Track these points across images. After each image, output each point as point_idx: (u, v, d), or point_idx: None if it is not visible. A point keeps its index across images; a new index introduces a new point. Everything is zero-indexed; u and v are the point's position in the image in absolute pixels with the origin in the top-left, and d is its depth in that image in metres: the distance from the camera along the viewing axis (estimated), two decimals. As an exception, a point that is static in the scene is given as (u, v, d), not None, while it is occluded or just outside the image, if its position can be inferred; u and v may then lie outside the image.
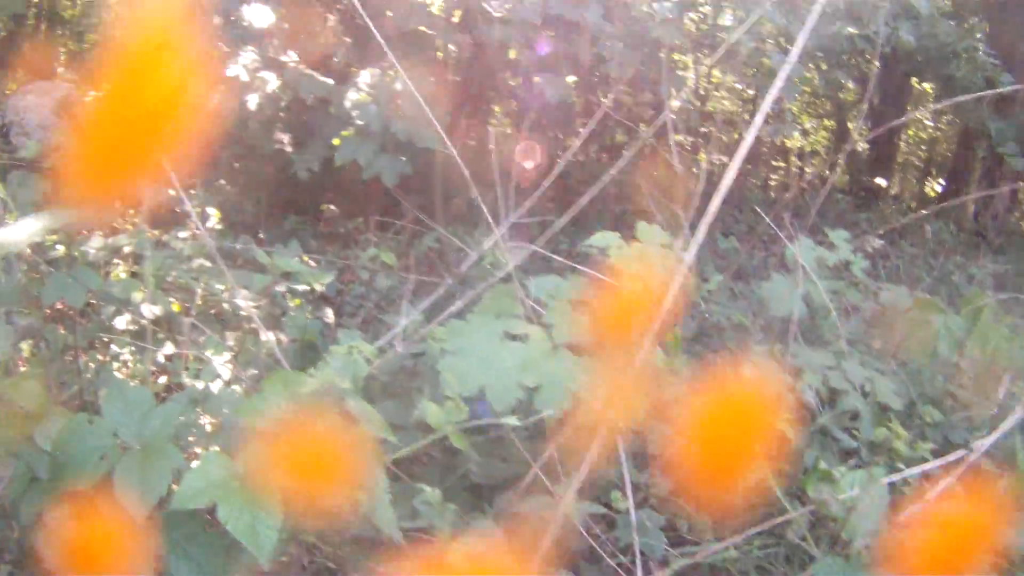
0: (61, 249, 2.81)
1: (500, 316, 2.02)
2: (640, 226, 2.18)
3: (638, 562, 1.91)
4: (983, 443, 2.27)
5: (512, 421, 1.65)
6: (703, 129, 7.45)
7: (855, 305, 3.64)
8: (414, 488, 1.65)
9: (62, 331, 2.78)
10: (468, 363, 1.89)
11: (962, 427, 2.89)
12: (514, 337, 1.99)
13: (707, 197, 1.85)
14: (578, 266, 2.16)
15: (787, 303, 2.79)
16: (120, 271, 2.99)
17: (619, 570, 1.96)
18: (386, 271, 3.28)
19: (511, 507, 1.83)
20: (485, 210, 2.17)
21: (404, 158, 3.89)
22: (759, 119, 1.62)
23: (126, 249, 2.92)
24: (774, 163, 8.25)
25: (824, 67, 8.01)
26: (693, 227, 2.03)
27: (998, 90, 6.80)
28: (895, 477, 2.24)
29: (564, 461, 1.89)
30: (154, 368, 2.64)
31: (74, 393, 2.56)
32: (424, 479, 1.79)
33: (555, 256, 2.45)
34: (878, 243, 3.47)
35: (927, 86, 8.91)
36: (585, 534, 1.91)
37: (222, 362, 2.34)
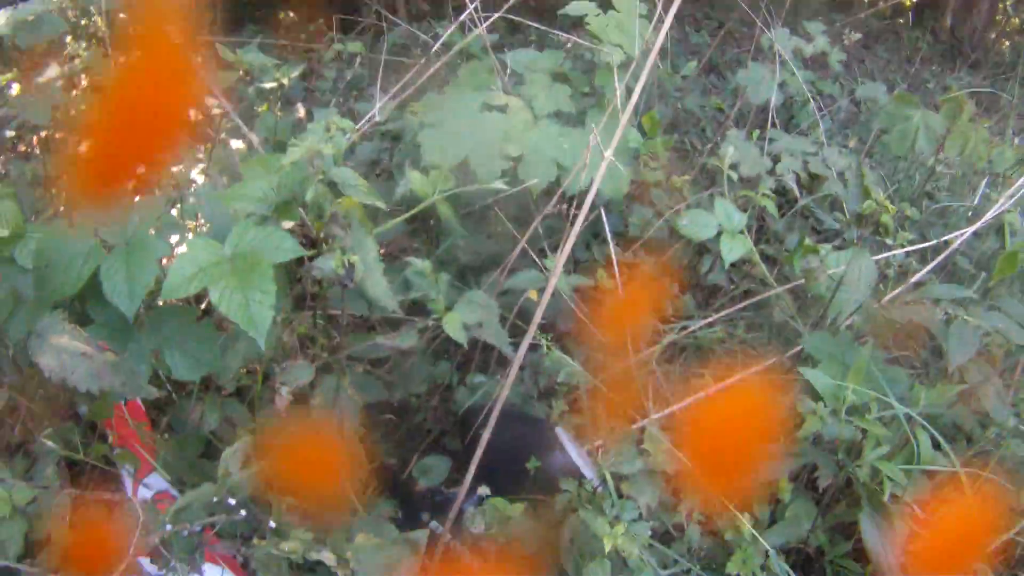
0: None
1: (478, 88, 1.97)
2: (617, -7, 2.09)
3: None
4: (962, 235, 2.28)
5: (498, 184, 1.62)
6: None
7: (832, 97, 3.60)
8: (404, 265, 1.64)
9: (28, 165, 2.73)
10: (449, 135, 1.84)
11: (939, 225, 2.90)
12: (493, 108, 1.96)
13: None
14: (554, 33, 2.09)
15: (764, 90, 2.74)
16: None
17: (609, 347, 1.97)
18: (353, 65, 3.18)
19: (499, 285, 1.83)
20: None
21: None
22: None
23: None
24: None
25: None
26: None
27: None
28: (882, 256, 2.25)
29: (548, 237, 1.88)
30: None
31: (49, 217, 2.52)
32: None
33: (530, 26, 2.35)
34: (856, 36, 3.38)
35: None
36: (576, 312, 1.92)
37: (195, 172, 2.28)
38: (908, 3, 10.97)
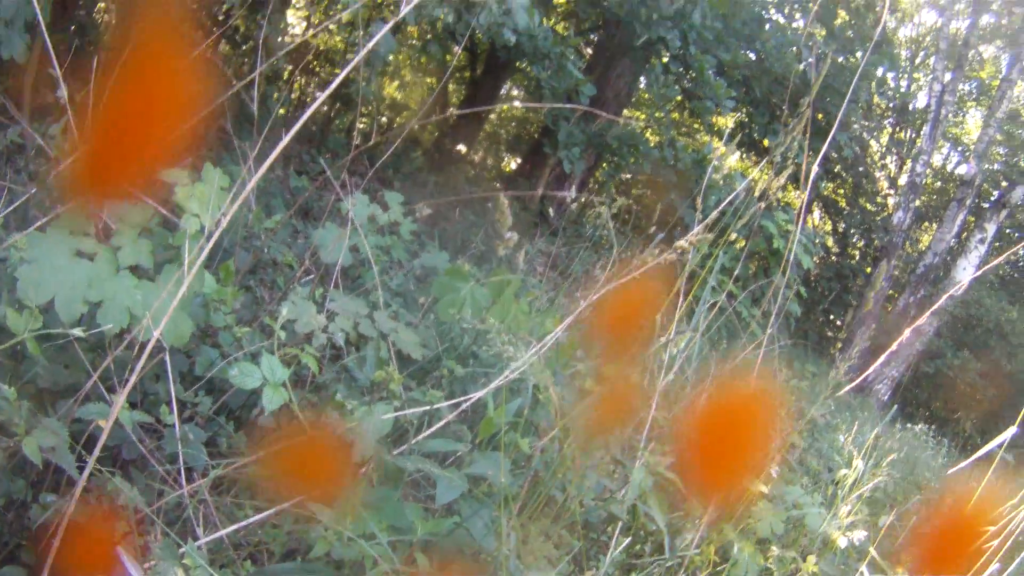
0: None
1: (74, 233, 2.26)
2: (206, 168, 2.52)
3: (182, 470, 2.22)
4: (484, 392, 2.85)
5: (77, 332, 1.94)
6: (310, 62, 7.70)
7: (400, 262, 4.21)
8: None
9: None
10: (42, 274, 2.12)
11: (480, 383, 3.47)
12: (84, 255, 2.25)
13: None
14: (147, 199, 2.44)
15: (335, 251, 3.26)
16: None
17: (166, 477, 2.25)
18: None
19: (72, 412, 2.12)
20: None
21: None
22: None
23: None
24: (364, 109, 8.49)
25: (429, 36, 8.61)
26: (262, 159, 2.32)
27: (573, 105, 7.83)
28: (396, 414, 2.77)
29: (119, 373, 2.21)
30: None
31: None
32: (-6, 382, 1.99)
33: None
34: (427, 211, 4.04)
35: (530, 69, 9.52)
36: (137, 443, 2.20)
37: None
38: (508, 169, 12.35)
